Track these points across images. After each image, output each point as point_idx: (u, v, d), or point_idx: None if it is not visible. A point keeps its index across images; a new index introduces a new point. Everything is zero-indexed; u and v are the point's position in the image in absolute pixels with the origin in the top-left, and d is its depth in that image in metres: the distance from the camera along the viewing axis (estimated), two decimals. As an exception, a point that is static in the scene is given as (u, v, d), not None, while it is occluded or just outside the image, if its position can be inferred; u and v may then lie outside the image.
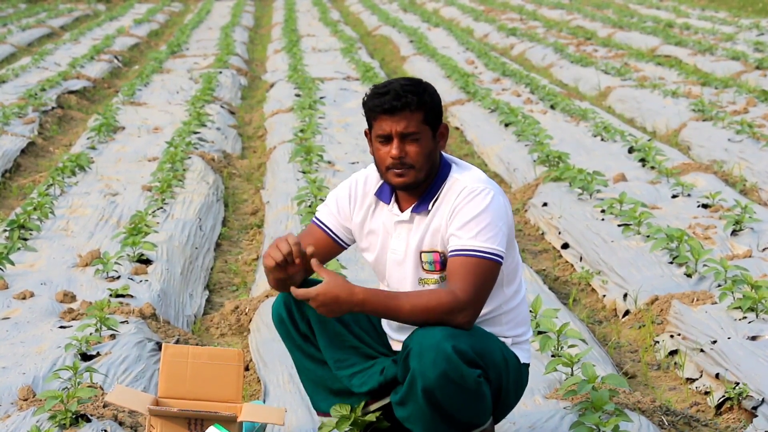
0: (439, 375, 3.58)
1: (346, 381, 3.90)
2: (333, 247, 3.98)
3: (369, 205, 3.95)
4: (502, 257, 3.71)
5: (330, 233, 3.97)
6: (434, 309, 3.64)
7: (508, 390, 3.86)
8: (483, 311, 3.81)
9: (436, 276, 3.84)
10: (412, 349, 3.63)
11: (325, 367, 3.95)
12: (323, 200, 7.56)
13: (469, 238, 3.70)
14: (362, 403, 3.99)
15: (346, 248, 4.02)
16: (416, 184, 3.81)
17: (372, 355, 3.95)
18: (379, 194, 3.93)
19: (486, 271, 3.68)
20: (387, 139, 3.78)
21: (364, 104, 3.83)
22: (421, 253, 3.84)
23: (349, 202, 3.97)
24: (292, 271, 3.74)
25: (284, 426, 4.37)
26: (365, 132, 3.91)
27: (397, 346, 3.95)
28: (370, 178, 3.98)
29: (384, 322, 4.02)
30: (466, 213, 3.74)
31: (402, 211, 3.89)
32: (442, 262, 3.82)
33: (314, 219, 4.01)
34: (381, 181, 3.94)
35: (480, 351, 3.68)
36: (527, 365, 3.96)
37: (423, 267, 3.85)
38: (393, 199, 3.91)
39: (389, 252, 3.90)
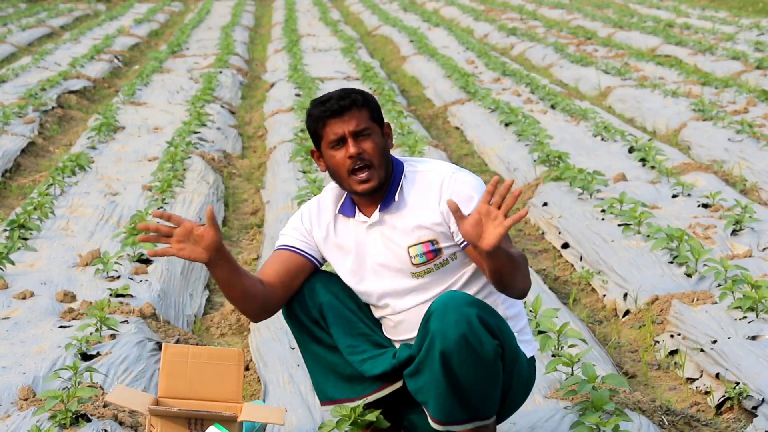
0: (459, 337, 3.61)
1: (357, 366, 3.90)
2: (292, 258, 3.96)
3: (328, 223, 3.99)
4: None
5: (295, 250, 3.97)
6: (523, 266, 3.69)
7: (517, 384, 3.89)
8: (477, 286, 3.89)
9: (429, 266, 3.88)
10: (434, 312, 3.66)
11: (336, 352, 3.94)
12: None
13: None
14: (362, 404, 3.99)
15: (315, 264, 4.00)
16: (380, 184, 3.86)
17: (382, 344, 3.97)
18: (343, 210, 3.97)
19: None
20: (340, 142, 3.83)
21: (309, 116, 3.88)
22: (408, 248, 3.86)
23: (303, 222, 4.01)
24: (195, 241, 3.65)
25: (284, 426, 4.37)
26: (311, 152, 3.95)
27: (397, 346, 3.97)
28: (323, 200, 4.02)
29: (384, 326, 4.03)
30: (466, 195, 3.82)
31: (369, 216, 3.93)
32: (434, 251, 3.86)
33: (275, 249, 4.01)
34: (341, 198, 3.98)
35: (500, 327, 3.74)
36: (533, 360, 3.98)
37: (412, 261, 3.87)
38: (356, 209, 3.95)
39: (368, 258, 3.93)
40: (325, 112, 3.83)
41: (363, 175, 3.83)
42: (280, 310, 4.00)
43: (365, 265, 3.94)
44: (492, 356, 3.69)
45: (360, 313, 3.99)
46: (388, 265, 3.91)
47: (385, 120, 3.99)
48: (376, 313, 4.01)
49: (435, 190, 3.87)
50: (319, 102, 3.86)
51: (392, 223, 3.90)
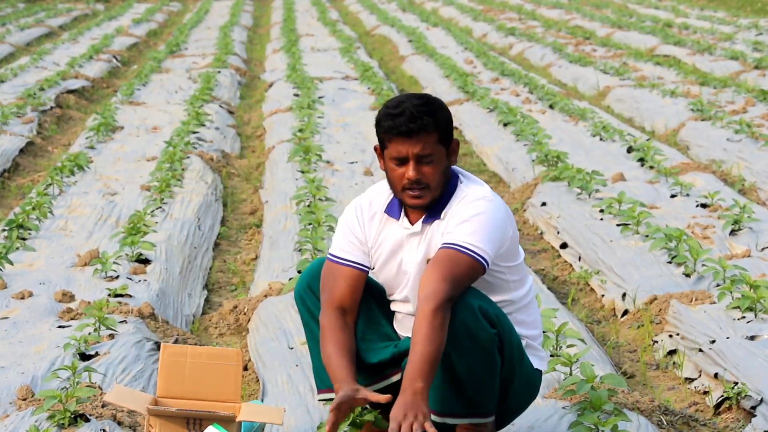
0: (457, 323, 3.66)
1: (361, 352, 3.93)
2: (362, 277, 3.97)
3: (378, 223, 3.98)
4: (487, 261, 3.75)
5: (356, 266, 3.95)
6: (436, 324, 3.64)
7: (519, 386, 3.89)
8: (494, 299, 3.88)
9: None
10: None
11: None
12: (323, 199, 7.59)
13: (464, 234, 3.75)
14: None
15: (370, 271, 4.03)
16: (432, 204, 3.85)
17: (390, 337, 4.01)
18: (389, 211, 3.96)
19: (467, 268, 3.73)
20: (403, 161, 3.82)
21: (378, 124, 3.84)
22: (428, 261, 3.86)
23: (359, 225, 3.98)
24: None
25: (283, 425, 4.37)
26: (375, 148, 3.93)
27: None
28: (374, 201, 3.99)
29: (395, 318, 4.06)
30: (463, 214, 3.80)
31: (412, 223, 3.92)
32: None
33: (334, 259, 3.96)
34: (390, 198, 3.96)
35: (500, 318, 3.78)
36: (540, 372, 4.00)
37: None
38: (402, 213, 3.94)
39: (403, 265, 3.93)
40: (393, 129, 3.79)
41: (416, 193, 3.82)
42: (293, 293, 4.02)
43: (393, 265, 3.94)
44: (489, 344, 3.72)
45: (379, 301, 4.02)
46: (417, 275, 3.90)
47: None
48: (391, 306, 4.04)
49: (451, 209, 3.86)
50: (391, 113, 3.80)
51: (431, 236, 3.89)
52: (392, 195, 3.96)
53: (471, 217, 3.78)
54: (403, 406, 3.56)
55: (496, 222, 3.80)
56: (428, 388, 3.59)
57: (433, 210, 3.88)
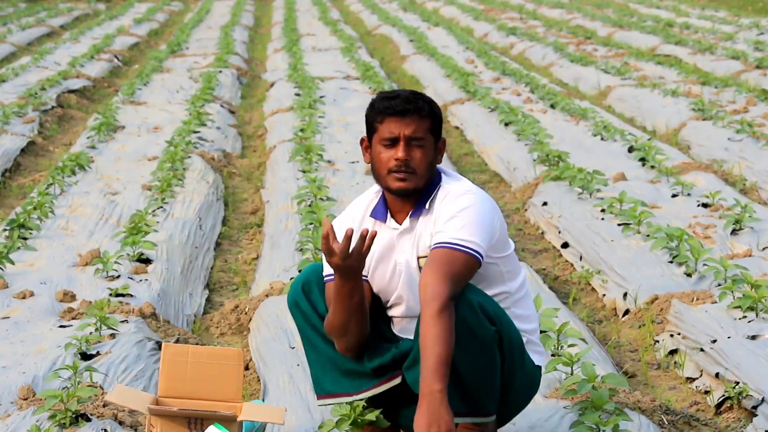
0: (458, 319, 3.65)
1: (365, 357, 3.92)
2: (367, 287, 3.94)
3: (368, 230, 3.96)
4: (481, 254, 3.75)
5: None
6: (443, 325, 3.61)
7: (518, 386, 3.89)
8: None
9: None
10: None
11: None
12: (324, 199, 7.58)
13: (453, 230, 3.75)
14: (359, 399, 3.99)
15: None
16: (415, 191, 3.85)
17: (390, 339, 3.99)
18: (375, 214, 3.95)
19: (464, 265, 3.72)
20: (393, 142, 3.83)
21: (372, 107, 3.86)
22: (418, 258, 3.86)
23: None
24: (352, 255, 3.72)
25: (284, 425, 4.37)
26: (361, 140, 3.94)
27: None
28: (356, 215, 3.98)
29: (393, 326, 4.05)
30: (450, 210, 3.80)
31: (400, 222, 3.91)
32: None
33: (330, 279, 3.92)
34: (373, 204, 3.96)
35: (498, 316, 3.77)
36: (540, 368, 4.00)
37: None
38: (388, 214, 3.93)
39: (397, 266, 3.91)
40: (388, 108, 3.82)
41: (402, 175, 3.82)
42: (286, 299, 4.03)
43: (386, 269, 3.93)
44: (489, 341, 3.71)
45: (376, 309, 3.99)
46: (412, 274, 3.90)
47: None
48: (388, 312, 4.02)
49: (436, 205, 3.87)
50: (386, 96, 3.86)
51: (420, 233, 3.88)
52: (374, 201, 3.96)
53: (458, 212, 3.78)
54: (426, 416, 3.53)
55: (484, 214, 3.80)
56: (446, 389, 3.55)
57: (418, 204, 3.88)
